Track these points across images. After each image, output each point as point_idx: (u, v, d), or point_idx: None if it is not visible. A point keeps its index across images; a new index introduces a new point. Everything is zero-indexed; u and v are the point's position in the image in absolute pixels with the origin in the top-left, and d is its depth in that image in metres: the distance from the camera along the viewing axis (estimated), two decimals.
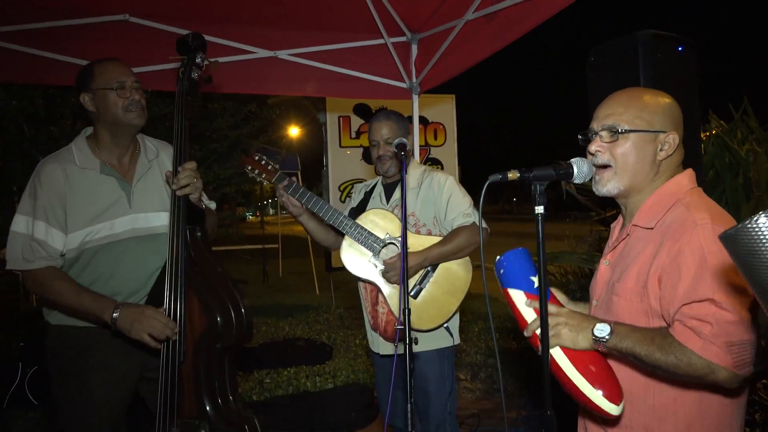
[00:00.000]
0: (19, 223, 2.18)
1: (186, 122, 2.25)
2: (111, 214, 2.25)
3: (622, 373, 1.55)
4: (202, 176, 2.32)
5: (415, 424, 1.91)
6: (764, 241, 0.78)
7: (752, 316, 1.37)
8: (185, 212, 2.17)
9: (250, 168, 2.75)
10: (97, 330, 2.20)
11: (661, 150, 1.56)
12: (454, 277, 2.74)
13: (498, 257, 1.69)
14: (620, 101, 1.60)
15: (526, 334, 1.60)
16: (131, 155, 2.37)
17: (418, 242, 2.70)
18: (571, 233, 5.47)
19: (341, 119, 6.95)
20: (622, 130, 1.55)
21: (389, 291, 2.71)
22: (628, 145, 1.55)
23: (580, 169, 1.52)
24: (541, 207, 1.45)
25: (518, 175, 1.47)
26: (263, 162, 2.76)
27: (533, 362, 5.10)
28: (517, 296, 1.63)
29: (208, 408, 2.08)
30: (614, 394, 1.46)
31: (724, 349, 1.35)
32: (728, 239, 0.83)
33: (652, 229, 1.54)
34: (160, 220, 2.33)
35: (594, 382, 1.47)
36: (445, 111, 7.19)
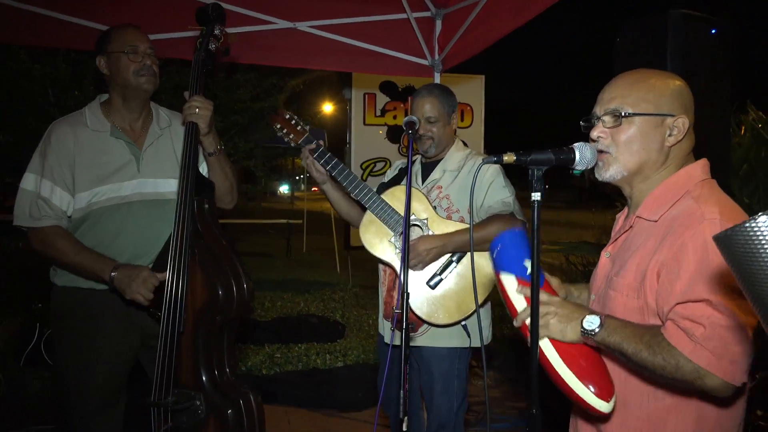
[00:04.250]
0: (28, 180, 2.22)
1: (200, 94, 2.23)
2: (119, 176, 2.27)
3: (619, 375, 1.46)
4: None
5: (407, 412, 1.82)
6: (764, 242, 0.68)
7: (753, 321, 1.25)
8: (194, 183, 2.15)
9: (279, 126, 2.61)
10: (100, 293, 2.23)
11: (669, 135, 1.44)
12: (479, 271, 2.45)
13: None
14: (625, 83, 1.49)
15: (515, 323, 1.51)
16: (143, 121, 2.39)
17: (445, 228, 2.48)
18: (596, 223, 5.30)
19: (367, 96, 6.82)
20: (625, 113, 1.44)
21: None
22: (633, 130, 1.44)
23: (582, 154, 1.41)
24: (538, 194, 1.35)
25: (514, 158, 1.37)
26: (293, 122, 2.60)
27: None
28: (509, 281, 1.54)
29: (204, 379, 2.08)
30: (604, 390, 1.38)
31: (716, 354, 1.25)
32: (723, 241, 0.73)
33: (656, 221, 1.43)
34: (169, 186, 2.33)
35: (582, 377, 1.39)
36: (473, 92, 6.98)
